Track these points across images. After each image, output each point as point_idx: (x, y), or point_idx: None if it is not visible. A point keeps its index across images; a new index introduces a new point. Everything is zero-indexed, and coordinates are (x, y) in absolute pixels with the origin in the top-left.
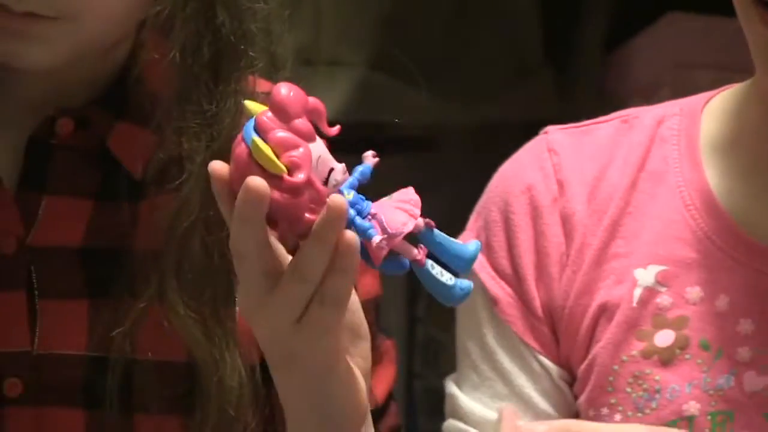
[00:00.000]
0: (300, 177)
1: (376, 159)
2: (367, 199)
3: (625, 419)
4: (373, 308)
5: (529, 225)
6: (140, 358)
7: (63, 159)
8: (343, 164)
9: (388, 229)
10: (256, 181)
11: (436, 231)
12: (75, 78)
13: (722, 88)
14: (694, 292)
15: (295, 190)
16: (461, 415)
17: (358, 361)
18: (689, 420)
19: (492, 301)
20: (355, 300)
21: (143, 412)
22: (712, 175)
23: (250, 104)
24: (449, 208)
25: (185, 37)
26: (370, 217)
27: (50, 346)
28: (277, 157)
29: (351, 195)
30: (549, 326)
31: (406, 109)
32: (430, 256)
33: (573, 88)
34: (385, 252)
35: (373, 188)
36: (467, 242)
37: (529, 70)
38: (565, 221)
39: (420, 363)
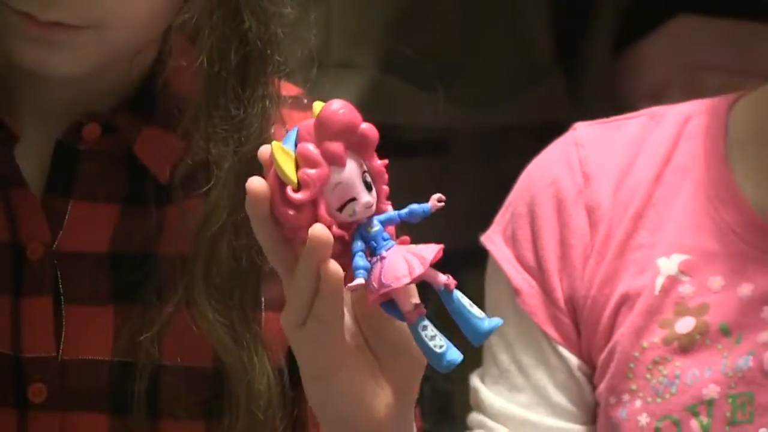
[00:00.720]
0: (300, 195)
1: (440, 205)
2: (390, 240)
3: (645, 405)
4: None
5: (554, 217)
6: (167, 364)
7: (90, 164)
8: (372, 200)
9: (382, 279)
10: (256, 182)
11: (455, 294)
12: (101, 84)
13: (749, 88)
14: (716, 281)
15: (294, 206)
16: (482, 408)
17: (393, 377)
18: (708, 403)
19: (515, 292)
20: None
21: (169, 418)
22: (739, 171)
23: (318, 106)
24: (462, 211)
25: (212, 44)
26: (377, 258)
27: (76, 351)
28: (298, 169)
29: (375, 228)
30: (570, 317)
31: (418, 112)
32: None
33: (583, 90)
34: (374, 297)
35: (390, 189)
36: (489, 319)
37: (539, 73)
38: (590, 213)
39: (428, 366)
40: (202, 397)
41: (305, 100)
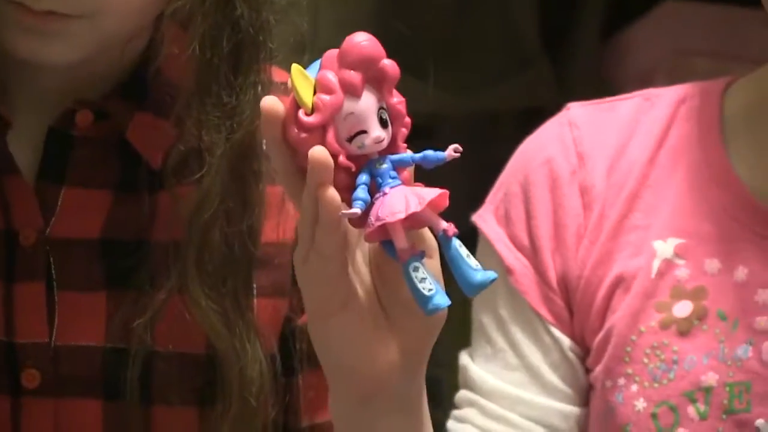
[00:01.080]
0: (311, 119)
1: (456, 155)
2: (397, 179)
3: (642, 390)
4: None
5: (548, 197)
6: (160, 350)
7: (82, 151)
8: (383, 136)
9: (378, 213)
10: (270, 100)
11: (454, 241)
12: (93, 71)
13: (743, 72)
14: (713, 264)
15: (304, 129)
16: (472, 385)
17: (401, 336)
18: (706, 391)
19: (507, 271)
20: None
21: (162, 404)
22: (733, 154)
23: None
24: (449, 196)
25: (204, 30)
26: (380, 194)
27: (68, 337)
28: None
29: (384, 165)
30: (563, 298)
31: (404, 98)
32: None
33: (571, 75)
34: (371, 230)
35: None
36: (485, 270)
37: (526, 58)
38: (584, 193)
39: None
40: (194, 384)
41: None
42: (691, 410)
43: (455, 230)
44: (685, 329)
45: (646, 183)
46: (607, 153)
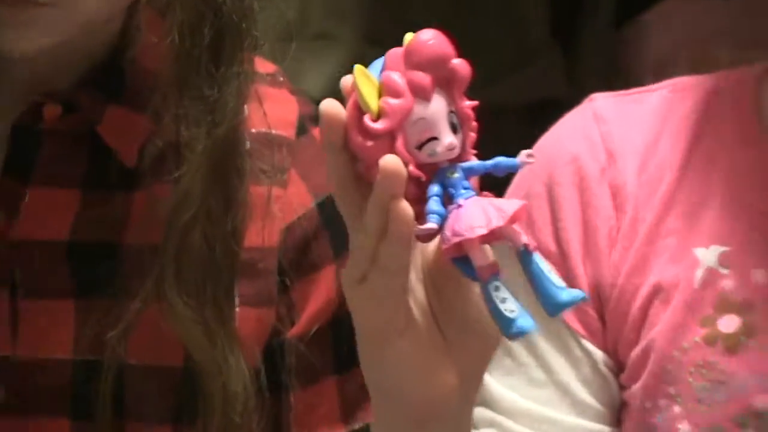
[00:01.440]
0: (378, 125)
1: (530, 160)
2: (471, 189)
3: (686, 412)
4: (334, 321)
5: (576, 197)
6: (134, 363)
7: (50, 146)
8: (456, 142)
9: (456, 227)
10: (330, 103)
11: (535, 256)
12: (62, 61)
13: None
14: (759, 274)
15: (371, 136)
16: (491, 403)
17: (460, 358)
18: (759, 416)
19: None
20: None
21: (136, 422)
22: None
23: (408, 36)
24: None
25: (184, 18)
26: (455, 206)
27: (34, 350)
28: (379, 97)
29: (456, 174)
30: (595, 308)
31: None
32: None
33: (583, 65)
34: (447, 247)
35: None
36: (570, 289)
37: (535, 49)
38: (616, 193)
39: None
40: (171, 400)
41: (281, 78)
42: None
43: (535, 244)
44: (732, 346)
45: (681, 184)
46: (638, 150)
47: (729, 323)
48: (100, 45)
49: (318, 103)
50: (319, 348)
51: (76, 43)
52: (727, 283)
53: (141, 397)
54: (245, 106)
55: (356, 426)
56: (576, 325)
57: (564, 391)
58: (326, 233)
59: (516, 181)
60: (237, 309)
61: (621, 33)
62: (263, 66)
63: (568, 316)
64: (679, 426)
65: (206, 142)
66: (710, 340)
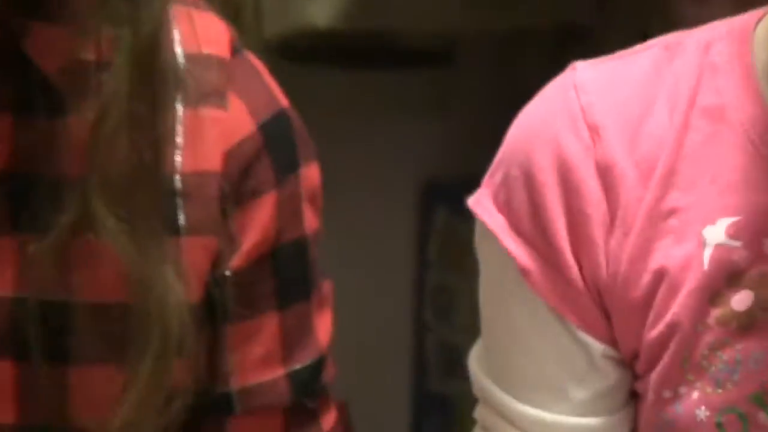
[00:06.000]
0: None
1: None
2: None
3: (704, 397)
4: (315, 245)
5: (556, 182)
6: (74, 300)
7: None
8: None
9: None
10: None
11: None
12: None
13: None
14: None
15: None
16: (485, 396)
17: None
18: None
19: (522, 272)
20: None
21: (78, 361)
22: None
23: None
24: (469, 130)
25: None
26: None
27: None
28: None
29: None
30: (595, 300)
31: (419, 15)
32: None
33: None
34: None
35: (386, 106)
36: None
37: None
38: (604, 174)
39: (431, 314)
40: (112, 337)
41: (201, 3)
42: (762, 416)
43: None
44: (747, 323)
45: (681, 153)
46: (627, 122)
47: (742, 300)
48: None
49: (326, 33)
50: (259, 281)
51: None
52: (739, 256)
53: (82, 335)
54: (173, 21)
55: (296, 366)
56: (572, 317)
57: (558, 392)
58: (268, 157)
59: (497, 156)
60: (182, 238)
61: None
62: (207, 45)
63: (563, 308)
64: (697, 412)
65: (132, 41)
66: (724, 321)
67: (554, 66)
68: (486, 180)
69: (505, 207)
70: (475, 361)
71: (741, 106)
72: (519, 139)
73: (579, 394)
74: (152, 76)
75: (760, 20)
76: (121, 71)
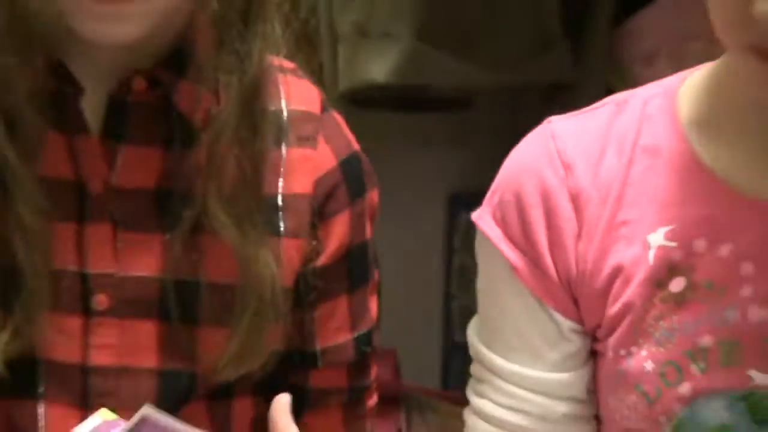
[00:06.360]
0: None
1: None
2: None
3: (650, 354)
4: (372, 247)
5: (540, 205)
6: (203, 281)
7: (137, 113)
8: None
9: None
10: None
11: None
12: (145, 45)
13: (693, 69)
14: (700, 244)
15: None
16: (482, 360)
17: None
18: (703, 350)
19: (513, 269)
20: None
21: (204, 325)
22: (697, 145)
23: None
24: (483, 155)
25: None
26: None
27: (130, 269)
28: None
29: None
30: (566, 290)
31: (449, 74)
32: None
33: (587, 56)
34: None
35: (423, 139)
36: None
37: (549, 41)
38: (575, 199)
39: (456, 286)
40: (225, 305)
41: (300, 72)
42: (693, 367)
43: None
44: (680, 301)
45: (627, 181)
46: (589, 159)
47: (678, 284)
48: (172, 32)
49: (383, 86)
50: (335, 274)
51: (155, 32)
52: (675, 254)
53: (208, 306)
54: (281, 85)
55: (358, 332)
56: (550, 302)
57: (536, 354)
58: (345, 185)
59: (494, 184)
60: (281, 239)
61: (618, 31)
62: (287, 63)
63: (544, 296)
64: (645, 365)
65: (238, 86)
66: (665, 300)
67: (546, 110)
68: (486, 201)
69: (501, 222)
70: (473, 331)
71: (670, 145)
72: (511, 172)
73: (552, 355)
74: (253, 111)
75: (684, 81)
76: (230, 107)
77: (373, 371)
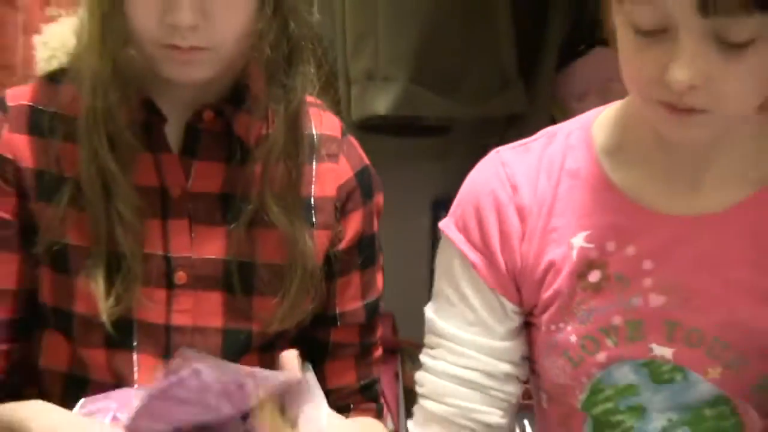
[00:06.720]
0: None
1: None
2: None
3: (574, 329)
4: (378, 237)
5: (495, 217)
6: (258, 261)
7: (206, 137)
8: None
9: None
10: None
11: None
12: (212, 84)
13: (603, 107)
14: (611, 244)
15: None
16: (440, 333)
17: None
18: (615, 328)
19: (471, 265)
20: None
21: (259, 295)
22: (608, 169)
23: None
24: (459, 169)
25: (271, 40)
26: None
27: (202, 252)
28: None
29: None
30: (512, 280)
31: (434, 108)
32: None
33: (535, 94)
34: None
35: (414, 155)
36: None
37: (507, 83)
38: (520, 212)
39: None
40: (276, 278)
41: (325, 107)
42: (607, 341)
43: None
44: (596, 289)
45: (556, 197)
46: (530, 181)
47: (594, 276)
48: (232, 73)
49: (387, 119)
50: (350, 256)
51: (219, 74)
52: (592, 253)
53: (262, 280)
54: (312, 117)
55: (367, 300)
56: (499, 289)
57: (486, 327)
58: (359, 190)
59: (456, 199)
60: (314, 230)
61: (559, 74)
62: (315, 100)
63: (495, 285)
64: (570, 338)
65: (284, 113)
66: (585, 288)
67: (506, 134)
68: (450, 213)
69: (463, 229)
70: (430, 311)
71: (587, 169)
72: (470, 191)
73: (499, 329)
74: (295, 133)
75: (597, 117)
76: (279, 129)
77: (379, 331)
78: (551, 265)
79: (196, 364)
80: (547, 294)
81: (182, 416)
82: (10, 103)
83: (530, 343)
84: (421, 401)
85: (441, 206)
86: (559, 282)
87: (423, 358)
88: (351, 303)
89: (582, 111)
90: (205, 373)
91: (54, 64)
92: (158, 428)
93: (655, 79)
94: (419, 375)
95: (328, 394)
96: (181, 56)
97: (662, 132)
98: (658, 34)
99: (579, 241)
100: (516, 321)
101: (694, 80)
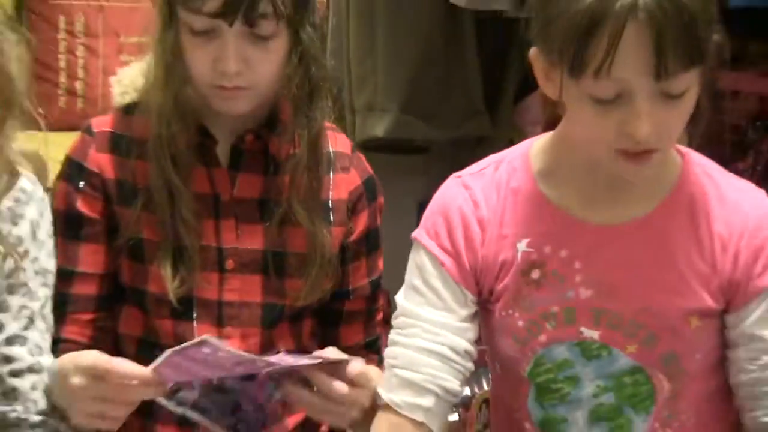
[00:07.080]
0: None
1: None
2: None
3: (520, 315)
4: (380, 231)
5: (460, 225)
6: (288, 250)
7: (248, 155)
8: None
9: None
10: None
11: None
12: (252, 114)
13: (539, 136)
14: (548, 248)
15: None
16: (411, 315)
17: None
18: (553, 315)
19: (441, 263)
20: None
21: (289, 278)
22: (543, 187)
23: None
24: (431, 179)
25: (297, 80)
26: None
27: (246, 244)
28: None
29: None
30: (474, 276)
31: (418, 132)
32: None
33: (498, 121)
34: None
35: (402, 168)
36: None
37: (476, 111)
38: (480, 222)
39: None
40: (302, 266)
41: (338, 129)
42: (547, 325)
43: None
44: (537, 284)
45: (505, 210)
46: (486, 198)
47: (535, 273)
48: (267, 105)
49: (383, 140)
50: (359, 245)
51: (257, 106)
52: (533, 255)
53: (292, 265)
54: (329, 137)
55: (372, 278)
56: (463, 283)
57: (452, 311)
58: (365, 194)
59: (427, 212)
60: (332, 227)
61: (517, 105)
62: (331, 125)
63: (460, 279)
64: (518, 322)
65: (308, 137)
66: (528, 283)
67: (475, 153)
68: (422, 224)
69: (434, 236)
70: (401, 299)
71: (526, 187)
72: (440, 205)
73: (461, 312)
74: (316, 152)
75: (533, 144)
76: (303, 149)
77: (381, 300)
78: (503, 264)
79: (216, 343)
80: (499, 286)
81: (199, 372)
82: (95, 129)
83: (486, 325)
84: (395, 371)
85: (424, 208)
86: (509, 278)
87: (396, 337)
88: (360, 281)
89: (535, 134)
90: (221, 348)
91: (126, 99)
92: (179, 378)
93: (616, 134)
94: (392, 350)
95: (342, 351)
96: (228, 94)
97: (622, 174)
98: (615, 100)
99: (522, 246)
100: (473, 308)
101: (652, 130)
